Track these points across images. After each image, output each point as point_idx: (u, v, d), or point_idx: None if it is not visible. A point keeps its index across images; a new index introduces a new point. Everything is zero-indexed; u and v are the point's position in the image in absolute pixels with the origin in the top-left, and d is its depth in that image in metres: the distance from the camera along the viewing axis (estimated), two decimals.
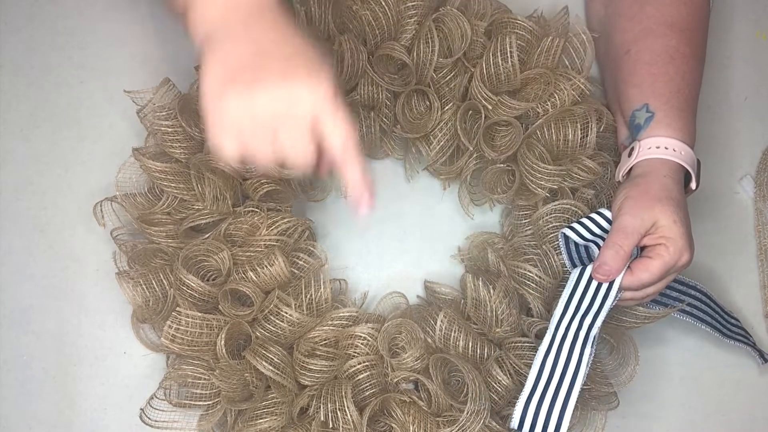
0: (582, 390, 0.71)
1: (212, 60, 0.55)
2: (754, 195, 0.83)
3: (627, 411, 0.76)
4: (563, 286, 0.72)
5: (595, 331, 0.67)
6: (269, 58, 0.54)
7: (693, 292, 0.76)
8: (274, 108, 0.53)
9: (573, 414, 0.66)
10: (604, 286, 0.68)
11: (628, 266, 0.67)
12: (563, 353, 0.67)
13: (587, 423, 0.73)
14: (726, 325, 0.77)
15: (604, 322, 0.67)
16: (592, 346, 0.67)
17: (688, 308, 0.75)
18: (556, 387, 0.66)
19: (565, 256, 0.72)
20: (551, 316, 0.69)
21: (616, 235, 0.66)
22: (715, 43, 0.85)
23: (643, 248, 0.68)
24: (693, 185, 0.71)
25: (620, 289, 0.67)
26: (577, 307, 0.68)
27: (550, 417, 0.66)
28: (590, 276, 0.68)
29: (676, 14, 0.73)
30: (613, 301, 0.67)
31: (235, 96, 0.53)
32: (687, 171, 0.70)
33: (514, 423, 0.66)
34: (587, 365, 0.67)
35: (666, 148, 0.69)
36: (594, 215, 0.71)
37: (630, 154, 0.71)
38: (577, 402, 0.67)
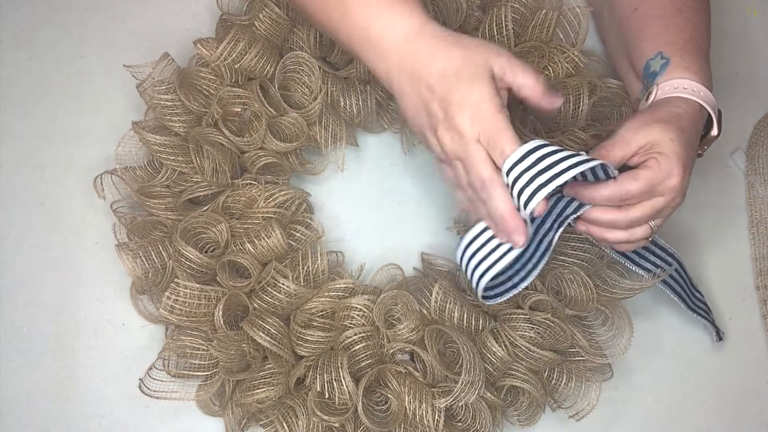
0: (576, 361, 0.71)
1: None
2: (745, 168, 0.84)
3: (620, 383, 0.77)
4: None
5: (570, 209, 0.65)
6: None
7: (671, 260, 0.75)
8: None
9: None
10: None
11: (614, 177, 0.63)
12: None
13: (582, 394, 0.73)
14: (691, 297, 0.77)
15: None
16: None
17: (668, 278, 0.75)
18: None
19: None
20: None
21: (609, 143, 0.64)
22: None
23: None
24: (714, 131, 0.68)
25: (603, 166, 0.61)
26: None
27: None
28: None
29: None
30: (593, 165, 0.60)
31: None
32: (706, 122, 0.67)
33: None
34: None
35: (685, 89, 0.67)
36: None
37: (648, 99, 0.69)
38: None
